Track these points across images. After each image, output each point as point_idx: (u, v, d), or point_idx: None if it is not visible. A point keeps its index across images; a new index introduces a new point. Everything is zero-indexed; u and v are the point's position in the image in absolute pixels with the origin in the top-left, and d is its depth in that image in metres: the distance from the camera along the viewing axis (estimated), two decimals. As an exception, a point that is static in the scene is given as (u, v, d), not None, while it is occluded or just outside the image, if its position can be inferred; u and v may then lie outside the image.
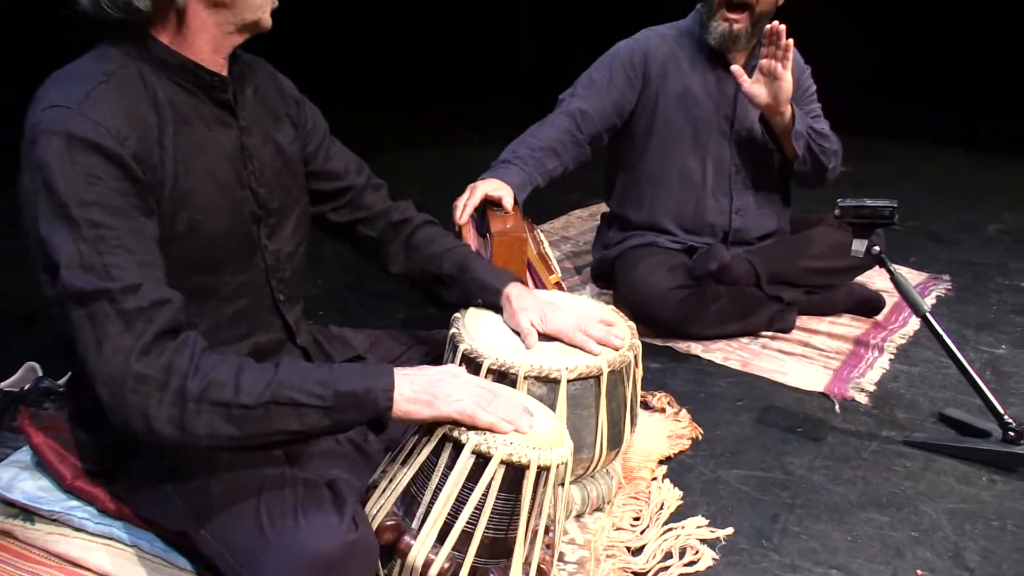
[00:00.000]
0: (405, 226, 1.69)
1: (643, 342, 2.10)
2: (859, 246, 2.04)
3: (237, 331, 1.37)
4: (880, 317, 2.70)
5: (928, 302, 2.87)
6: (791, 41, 2.26)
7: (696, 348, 2.46)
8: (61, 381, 1.81)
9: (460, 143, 4.95)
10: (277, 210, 1.42)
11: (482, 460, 1.19)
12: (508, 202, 2.17)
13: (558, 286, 2.05)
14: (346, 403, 1.15)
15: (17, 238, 1.20)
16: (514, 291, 1.61)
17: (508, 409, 1.22)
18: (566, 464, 1.27)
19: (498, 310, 1.65)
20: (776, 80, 2.30)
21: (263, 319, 1.43)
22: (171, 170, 1.23)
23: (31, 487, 1.49)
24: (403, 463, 1.28)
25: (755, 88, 2.34)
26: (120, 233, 1.13)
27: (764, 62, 2.30)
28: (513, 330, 1.61)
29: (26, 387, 1.81)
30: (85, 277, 1.10)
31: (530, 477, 1.21)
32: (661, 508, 1.72)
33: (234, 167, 1.34)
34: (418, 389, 1.19)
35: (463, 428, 1.20)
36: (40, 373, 1.87)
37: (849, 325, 2.65)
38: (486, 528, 1.21)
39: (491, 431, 1.20)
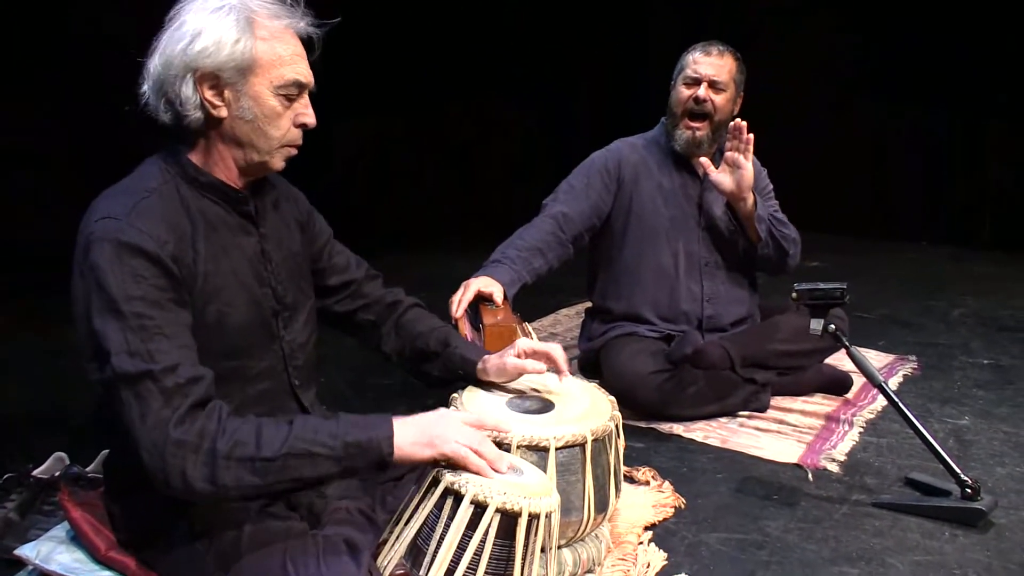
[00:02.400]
0: (396, 308, 1.88)
1: (628, 424, 2.27)
2: (816, 325, 2.24)
3: (260, 410, 1.52)
4: (850, 395, 2.88)
5: (895, 380, 3.07)
6: (752, 136, 2.56)
7: (678, 428, 2.62)
8: (89, 468, 1.96)
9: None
10: (291, 305, 1.61)
11: (480, 509, 1.35)
12: (499, 297, 2.38)
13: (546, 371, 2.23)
14: (353, 451, 1.34)
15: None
16: (489, 360, 1.80)
17: (491, 452, 1.42)
18: (553, 513, 1.42)
19: (477, 383, 1.82)
20: (739, 169, 2.59)
21: (282, 401, 1.60)
22: (202, 269, 1.42)
23: (67, 559, 1.62)
24: (408, 519, 1.43)
25: (721, 176, 2.62)
26: (160, 322, 1.32)
27: (729, 154, 2.60)
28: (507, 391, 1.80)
29: (56, 474, 1.96)
30: (132, 361, 1.28)
31: (522, 524, 1.36)
32: (648, 567, 1.85)
33: (254, 268, 1.54)
34: (417, 433, 1.38)
35: (463, 479, 1.36)
36: (68, 462, 2.02)
37: (821, 403, 2.83)
38: (485, 572, 1.35)
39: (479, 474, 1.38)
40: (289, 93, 1.45)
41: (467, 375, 1.82)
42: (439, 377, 1.85)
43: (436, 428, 1.40)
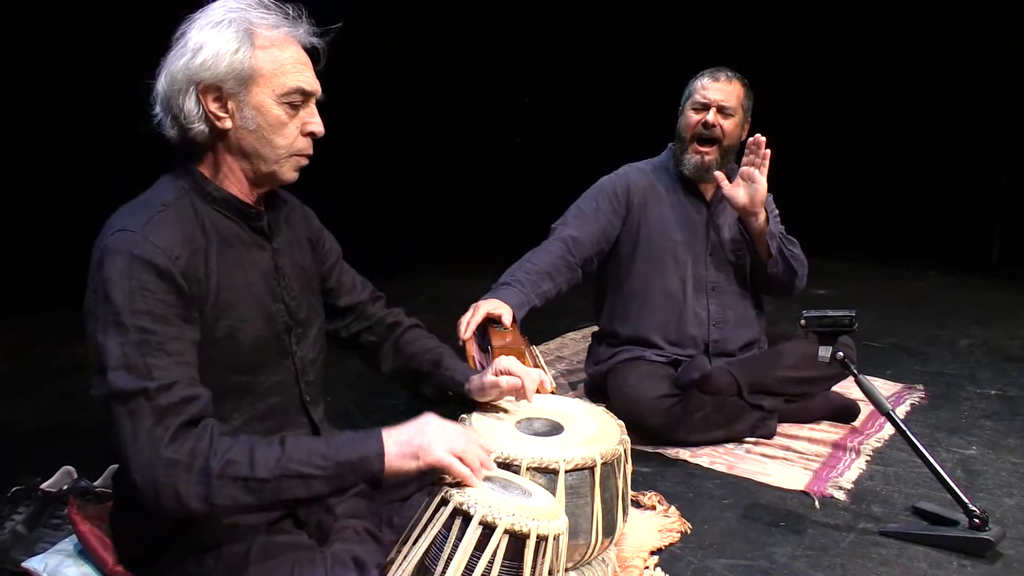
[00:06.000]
0: (396, 328, 1.90)
1: (635, 448, 2.27)
2: (825, 352, 2.25)
3: (270, 424, 1.54)
4: (857, 423, 2.88)
5: (903, 409, 3.06)
6: (769, 151, 2.58)
7: (684, 453, 2.62)
8: (96, 482, 1.97)
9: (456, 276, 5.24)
10: (304, 321, 1.63)
11: (488, 530, 1.35)
12: (507, 319, 2.39)
13: (552, 394, 2.23)
14: (345, 470, 1.35)
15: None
16: (473, 380, 1.79)
17: (475, 458, 1.42)
18: (561, 536, 1.43)
19: (470, 402, 1.81)
20: (754, 183, 2.60)
21: (292, 416, 1.61)
22: (214, 284, 1.44)
23: (74, 572, 1.63)
24: (416, 539, 1.43)
25: (735, 191, 2.63)
26: (162, 338, 1.33)
27: (745, 168, 2.61)
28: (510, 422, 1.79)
29: (64, 488, 1.96)
30: (127, 377, 1.28)
31: (530, 546, 1.36)
32: (653, 593, 1.85)
33: (268, 283, 1.55)
34: (404, 445, 1.38)
35: (471, 500, 1.36)
36: (76, 475, 2.03)
37: (828, 431, 2.82)
38: (492, 595, 1.35)
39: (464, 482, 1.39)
40: (293, 101, 1.46)
41: (456, 395, 1.82)
42: (432, 397, 1.86)
43: (420, 438, 1.40)
